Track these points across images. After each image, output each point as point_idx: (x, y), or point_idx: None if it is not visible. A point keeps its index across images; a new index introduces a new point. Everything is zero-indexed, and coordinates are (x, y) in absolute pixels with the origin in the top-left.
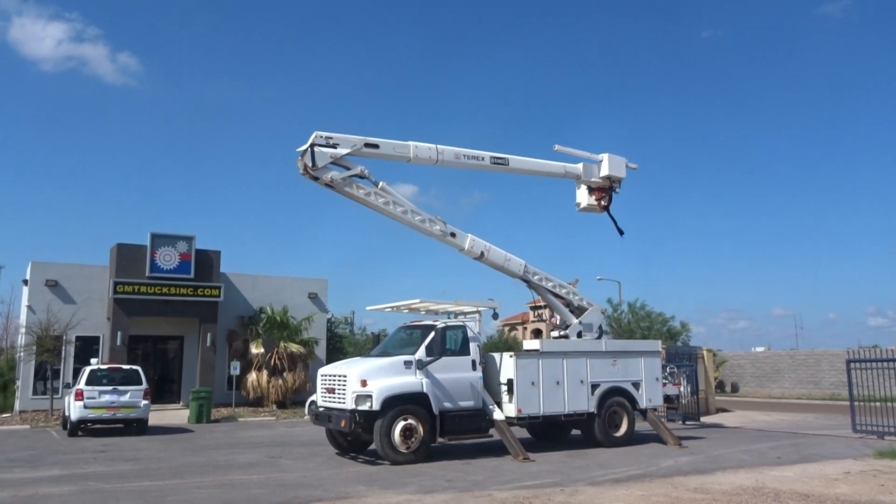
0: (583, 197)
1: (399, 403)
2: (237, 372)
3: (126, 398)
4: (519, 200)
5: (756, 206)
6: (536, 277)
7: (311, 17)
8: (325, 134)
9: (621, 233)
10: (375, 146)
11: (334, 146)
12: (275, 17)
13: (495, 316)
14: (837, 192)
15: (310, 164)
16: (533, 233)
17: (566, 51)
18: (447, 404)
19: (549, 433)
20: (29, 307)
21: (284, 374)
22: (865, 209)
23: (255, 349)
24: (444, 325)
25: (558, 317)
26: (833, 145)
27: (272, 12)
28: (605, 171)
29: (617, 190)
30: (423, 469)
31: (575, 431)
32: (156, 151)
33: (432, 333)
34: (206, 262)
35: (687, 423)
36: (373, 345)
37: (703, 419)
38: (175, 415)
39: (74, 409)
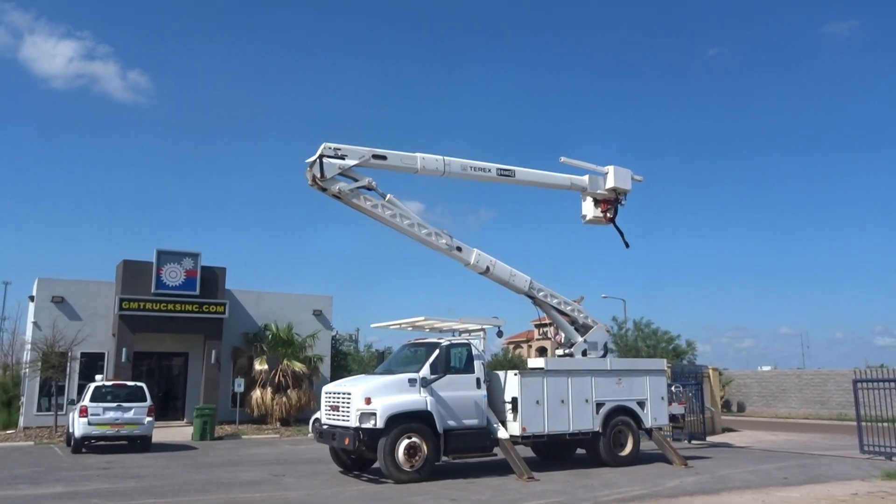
0: (588, 209)
1: (403, 421)
2: (241, 389)
3: (130, 415)
4: (524, 218)
5: (762, 224)
6: (542, 294)
7: (317, 33)
8: (333, 145)
9: (627, 245)
10: (383, 157)
11: (342, 157)
12: (282, 33)
13: (500, 334)
14: (844, 210)
15: (318, 175)
16: (538, 251)
17: (571, 66)
18: (451, 422)
19: (553, 452)
20: (35, 323)
21: (288, 391)
22: (872, 228)
23: (260, 366)
24: (448, 342)
25: (562, 334)
26: (840, 163)
27: (279, 29)
28: (610, 183)
29: (623, 202)
30: (427, 488)
31: (580, 451)
32: (163, 167)
33: (437, 351)
34: (212, 279)
35: (693, 442)
36: (377, 362)
37: (710, 439)
38: (179, 432)
39: (79, 426)
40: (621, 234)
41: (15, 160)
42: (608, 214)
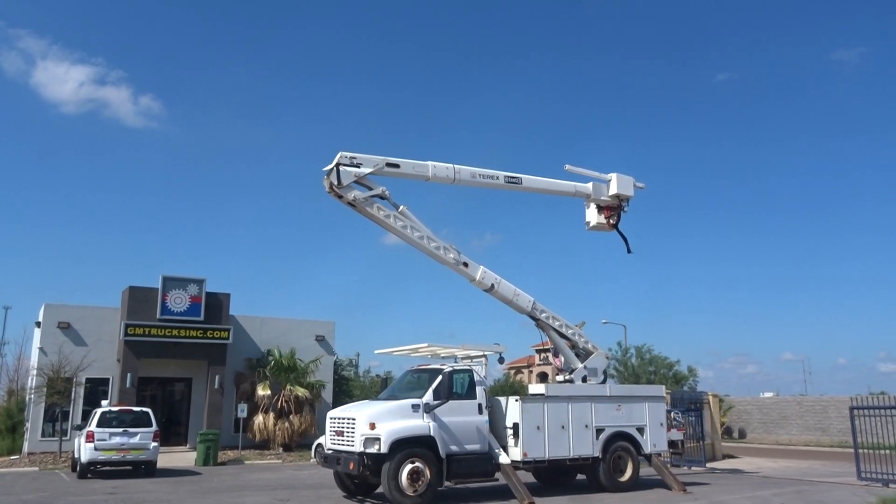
0: (592, 216)
1: (407, 446)
2: (244, 414)
3: (136, 440)
4: (528, 243)
5: (766, 250)
6: (544, 315)
7: (326, 58)
8: (349, 154)
9: (630, 250)
10: (396, 165)
11: (358, 165)
12: (291, 58)
13: (501, 360)
14: (849, 236)
15: (335, 183)
16: (541, 276)
17: (578, 89)
18: (454, 447)
19: (554, 477)
20: (41, 349)
21: (291, 416)
22: (877, 254)
23: (262, 391)
24: (451, 369)
25: (562, 357)
26: (846, 189)
27: (289, 53)
28: (613, 190)
29: (625, 209)
30: None
31: (580, 476)
32: (169, 192)
33: (439, 377)
34: (216, 305)
35: (693, 468)
36: (380, 388)
37: (710, 465)
38: (182, 457)
39: (85, 451)
40: (625, 239)
41: (20, 184)
42: (611, 221)
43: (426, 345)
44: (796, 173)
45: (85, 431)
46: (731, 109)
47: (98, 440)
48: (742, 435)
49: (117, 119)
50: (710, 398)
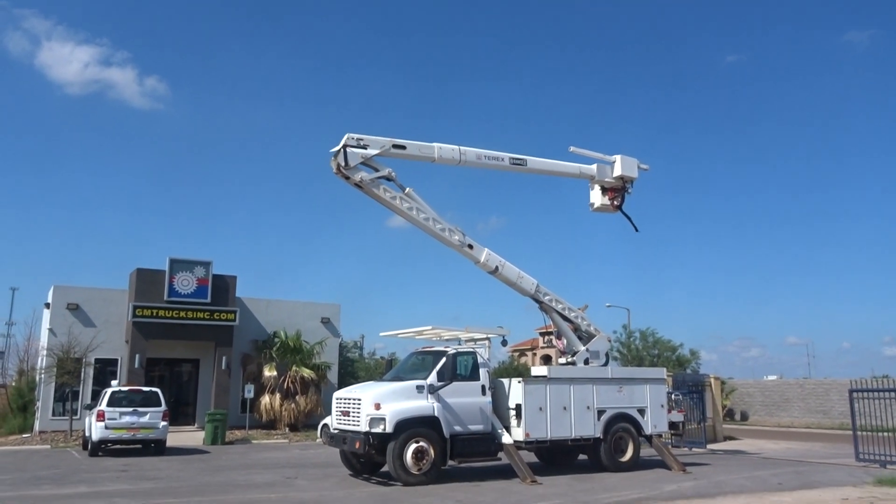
0: (596, 197)
1: (411, 426)
2: (251, 395)
3: (146, 419)
4: (533, 227)
5: (772, 234)
6: (547, 298)
7: (332, 42)
8: (356, 136)
9: (636, 229)
10: (402, 147)
11: (365, 147)
12: (297, 42)
13: (504, 343)
14: (854, 219)
15: (342, 164)
16: (546, 259)
17: (584, 74)
18: (457, 428)
19: (556, 457)
20: (50, 330)
21: (297, 397)
22: (883, 238)
23: (269, 372)
24: (454, 351)
25: (564, 340)
26: (852, 172)
27: (295, 37)
28: (617, 172)
29: (629, 190)
30: (434, 490)
31: (582, 456)
32: (174, 174)
33: (443, 359)
34: (223, 287)
35: (693, 449)
36: (385, 370)
37: (711, 447)
38: (190, 436)
39: (96, 430)
40: (630, 219)
41: (26, 166)
42: (615, 202)
43: (430, 328)
44: (803, 156)
45: (96, 411)
46: (740, 91)
47: (109, 419)
48: (744, 417)
49: (123, 100)
50: (712, 381)
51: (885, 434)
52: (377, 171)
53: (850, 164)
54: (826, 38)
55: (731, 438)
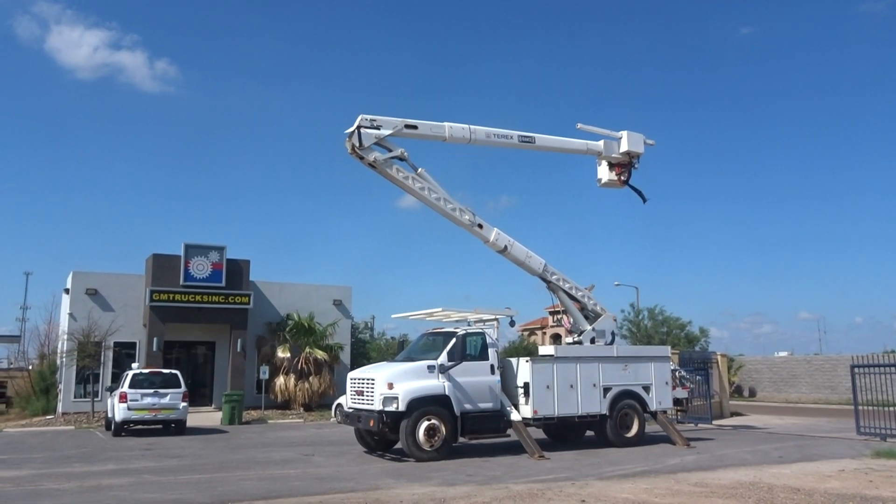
0: (604, 173)
1: (423, 405)
2: (266, 376)
3: (166, 400)
4: (543, 207)
5: (784, 209)
6: (555, 277)
7: (342, 25)
8: (369, 117)
9: (645, 200)
10: (414, 127)
11: (378, 127)
12: (307, 24)
13: (512, 323)
14: (866, 194)
15: (357, 145)
16: (555, 239)
17: (593, 52)
18: (468, 406)
19: (563, 434)
20: (71, 315)
21: (310, 378)
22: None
23: (283, 354)
24: (464, 332)
25: (572, 319)
26: (864, 146)
27: (305, 19)
28: (624, 147)
29: (636, 165)
30: (446, 465)
31: (589, 432)
32: (186, 158)
33: (453, 340)
34: (237, 271)
35: (699, 425)
36: (397, 350)
37: (717, 422)
38: (208, 417)
39: (119, 411)
40: (638, 192)
41: (38, 151)
42: (622, 177)
43: (440, 309)
44: (817, 131)
45: (118, 392)
46: (754, 66)
47: (131, 400)
48: (752, 393)
49: (133, 84)
50: (719, 358)
51: (887, 409)
52: (390, 151)
53: (864, 138)
54: (842, 9)
55: (737, 414)
